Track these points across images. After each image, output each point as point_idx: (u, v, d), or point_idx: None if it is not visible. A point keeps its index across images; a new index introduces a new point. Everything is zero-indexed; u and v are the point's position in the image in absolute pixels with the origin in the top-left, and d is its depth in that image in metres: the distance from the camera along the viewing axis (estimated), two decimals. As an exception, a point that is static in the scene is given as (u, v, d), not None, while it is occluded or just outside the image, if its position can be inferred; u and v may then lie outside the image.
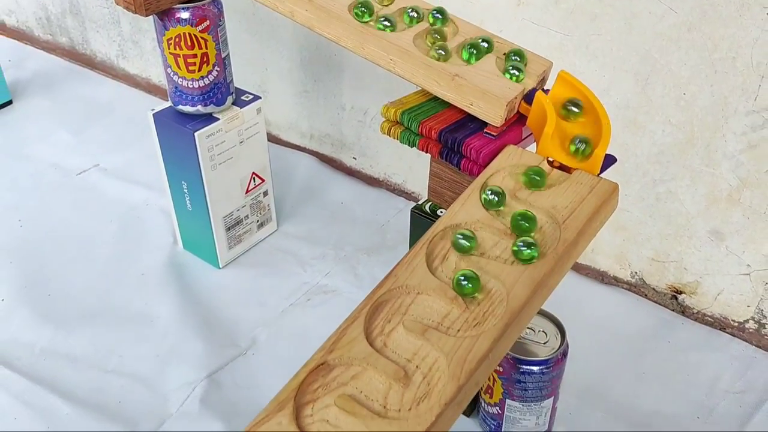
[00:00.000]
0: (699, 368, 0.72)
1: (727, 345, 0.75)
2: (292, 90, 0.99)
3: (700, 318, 0.77)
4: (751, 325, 0.74)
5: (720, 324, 0.76)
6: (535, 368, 0.58)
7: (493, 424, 0.64)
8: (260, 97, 0.79)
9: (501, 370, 0.59)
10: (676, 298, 0.78)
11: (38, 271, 0.84)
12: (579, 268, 0.83)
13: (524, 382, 0.59)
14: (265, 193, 0.85)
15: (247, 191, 0.83)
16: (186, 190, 0.79)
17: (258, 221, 0.86)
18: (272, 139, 1.05)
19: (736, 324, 0.75)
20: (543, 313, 0.62)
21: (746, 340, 0.75)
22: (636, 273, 0.79)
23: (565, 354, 0.59)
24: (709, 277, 0.74)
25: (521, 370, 0.58)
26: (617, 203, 0.49)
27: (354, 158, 0.98)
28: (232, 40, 0.76)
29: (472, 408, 0.67)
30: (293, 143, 1.05)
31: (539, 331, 0.61)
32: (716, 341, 0.75)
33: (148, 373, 0.72)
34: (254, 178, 0.83)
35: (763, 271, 0.71)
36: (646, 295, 0.80)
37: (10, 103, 1.15)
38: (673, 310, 0.78)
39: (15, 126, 1.11)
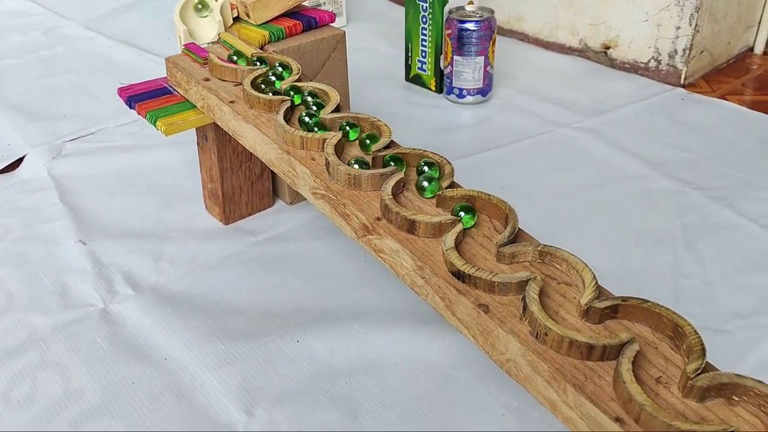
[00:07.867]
0: (612, 90, 1.03)
1: (637, 79, 1.05)
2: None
3: (621, 66, 1.08)
4: (652, 64, 1.04)
5: (633, 68, 1.07)
6: (471, 25, 0.93)
7: (448, 82, 0.99)
8: None
9: (450, 32, 0.95)
10: (606, 53, 1.09)
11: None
12: (547, 45, 1.16)
13: (463, 38, 0.94)
14: None
15: None
16: None
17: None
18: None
19: (642, 65, 1.06)
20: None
21: (650, 77, 1.05)
22: (582, 39, 1.12)
23: (490, 24, 0.94)
24: (624, 30, 1.06)
25: (462, 27, 0.93)
26: None
27: None
28: None
29: (441, 88, 1.03)
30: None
31: (478, 11, 0.96)
32: (629, 77, 1.06)
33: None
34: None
35: (655, 15, 1.01)
36: (589, 57, 1.12)
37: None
38: (604, 65, 1.10)
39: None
